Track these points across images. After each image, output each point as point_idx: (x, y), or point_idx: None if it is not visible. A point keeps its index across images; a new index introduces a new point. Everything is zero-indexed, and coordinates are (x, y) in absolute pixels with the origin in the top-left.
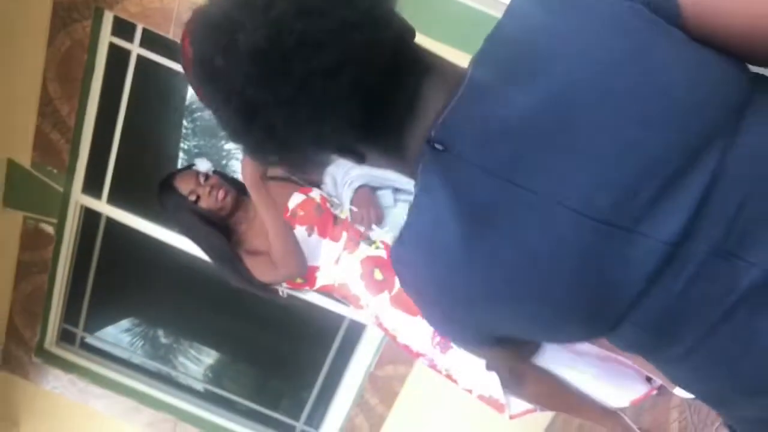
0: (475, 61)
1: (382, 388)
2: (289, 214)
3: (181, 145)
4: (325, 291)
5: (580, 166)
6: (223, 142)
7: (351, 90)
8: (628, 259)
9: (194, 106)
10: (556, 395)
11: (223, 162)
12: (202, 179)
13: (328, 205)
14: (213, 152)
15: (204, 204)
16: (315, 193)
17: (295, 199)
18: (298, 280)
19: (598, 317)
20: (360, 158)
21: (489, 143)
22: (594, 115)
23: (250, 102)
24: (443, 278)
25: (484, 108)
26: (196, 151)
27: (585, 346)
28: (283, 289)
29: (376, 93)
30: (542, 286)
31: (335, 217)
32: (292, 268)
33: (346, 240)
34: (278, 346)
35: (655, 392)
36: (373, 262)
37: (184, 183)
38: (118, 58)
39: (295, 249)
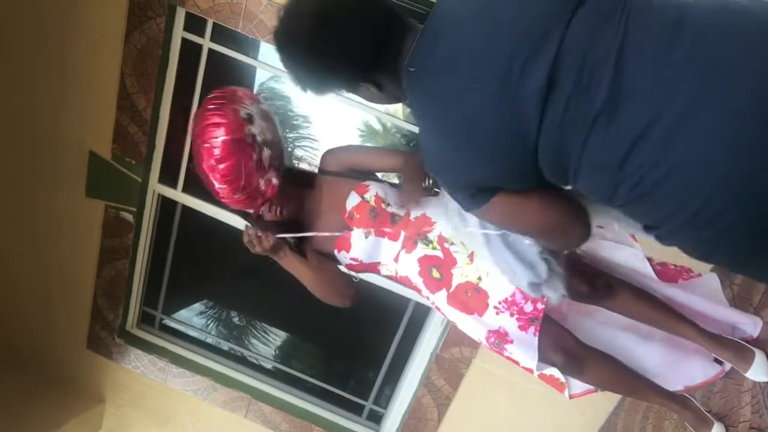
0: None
1: (448, 370)
2: (346, 215)
3: None
4: (390, 278)
5: (472, 56)
6: (287, 130)
7: (370, 34)
8: (523, 104)
9: (262, 95)
10: (619, 379)
11: (289, 148)
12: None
13: (383, 206)
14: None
15: (266, 218)
16: (370, 195)
17: (352, 200)
18: (361, 274)
19: (518, 154)
20: (380, 86)
21: (432, 58)
22: (480, 26)
23: (314, 46)
24: (438, 145)
25: (431, 41)
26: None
27: (649, 329)
28: (356, 276)
29: (382, 39)
30: (479, 139)
31: (392, 217)
32: (337, 304)
33: (403, 239)
34: (346, 328)
35: (723, 374)
36: (430, 261)
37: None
38: (190, 52)
39: (331, 291)
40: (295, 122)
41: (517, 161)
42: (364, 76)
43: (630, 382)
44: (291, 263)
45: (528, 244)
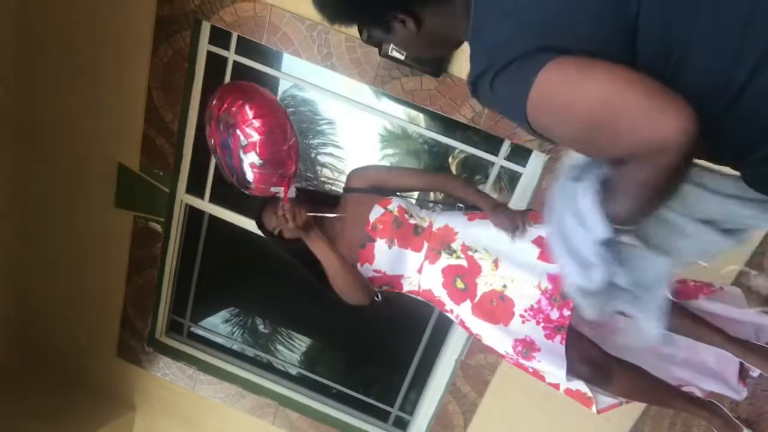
0: None
1: (474, 377)
2: (369, 227)
3: None
4: (412, 294)
5: None
6: (310, 137)
7: None
8: None
9: (285, 103)
10: (647, 388)
11: (312, 155)
12: (280, 212)
13: (406, 216)
14: (302, 146)
15: (287, 236)
16: (393, 206)
17: (375, 213)
18: (384, 288)
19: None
20: (419, 22)
21: None
22: None
23: None
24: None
25: None
26: None
27: (669, 350)
28: (378, 294)
29: None
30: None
31: (415, 227)
32: (357, 301)
33: (427, 250)
34: (371, 334)
35: (749, 379)
36: (454, 271)
37: (267, 219)
38: (215, 65)
39: (354, 285)
40: (318, 128)
41: (611, 27)
42: (404, 4)
43: (658, 391)
44: (320, 245)
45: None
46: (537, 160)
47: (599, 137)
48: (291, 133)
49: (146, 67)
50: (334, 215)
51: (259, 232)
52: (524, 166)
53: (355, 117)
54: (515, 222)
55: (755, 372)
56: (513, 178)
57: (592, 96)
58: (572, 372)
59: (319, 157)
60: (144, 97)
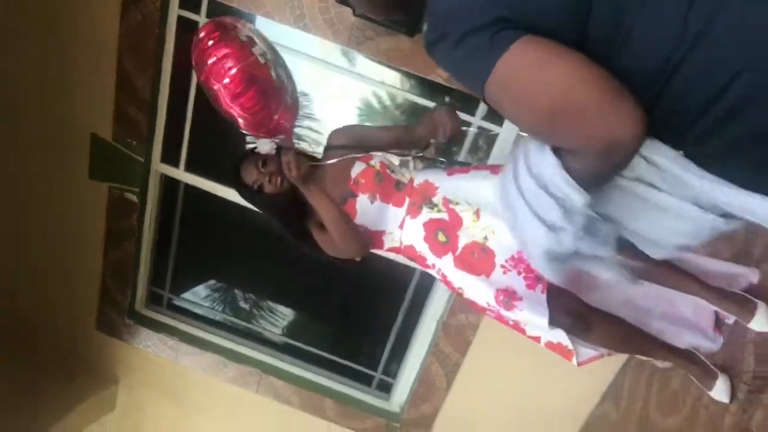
0: None
1: (456, 336)
2: (351, 182)
3: None
4: (393, 252)
5: None
6: None
7: None
8: None
9: None
10: (626, 337)
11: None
12: (261, 167)
13: (388, 171)
14: None
15: (267, 190)
16: (375, 161)
17: (357, 168)
18: (362, 255)
19: None
20: None
21: None
22: None
23: None
24: None
25: None
26: None
27: (647, 304)
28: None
29: None
30: None
31: (397, 182)
32: (353, 253)
33: (408, 205)
34: (352, 301)
35: (725, 327)
36: (435, 224)
37: (247, 173)
38: (187, 29)
39: (352, 238)
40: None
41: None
42: None
43: (637, 339)
44: (319, 196)
45: (552, 179)
46: None
47: (554, 129)
48: (275, 87)
49: (115, 33)
50: (336, 159)
51: (236, 195)
52: (501, 125)
53: (330, 87)
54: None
55: (730, 319)
56: (491, 140)
57: (554, 88)
58: (553, 321)
59: (296, 129)
60: (114, 65)
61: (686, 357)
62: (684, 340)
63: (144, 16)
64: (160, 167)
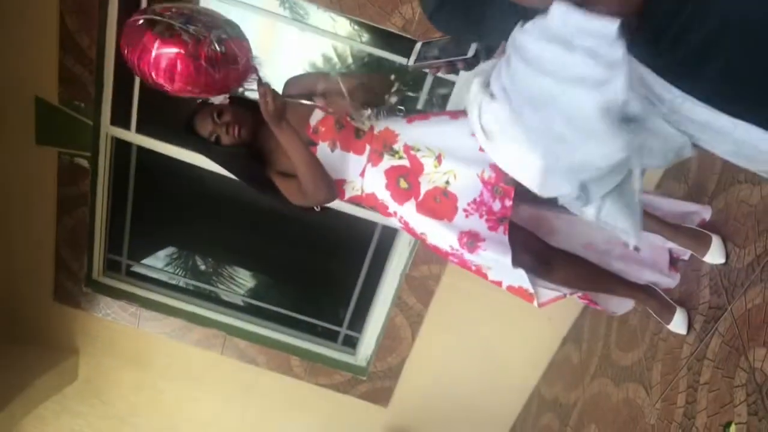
0: None
1: (419, 288)
2: (311, 130)
3: None
4: (354, 201)
5: None
6: None
7: None
8: None
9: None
10: (587, 276)
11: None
12: (216, 118)
13: (348, 119)
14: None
15: (225, 141)
16: None
17: (316, 115)
18: (330, 201)
19: None
20: None
21: None
22: None
23: None
24: None
25: None
26: None
27: (607, 245)
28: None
29: None
30: None
31: (357, 130)
32: (322, 197)
33: (369, 152)
34: (315, 260)
35: (681, 263)
36: (397, 171)
37: (201, 126)
38: None
39: (322, 180)
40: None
41: None
42: None
43: (597, 277)
44: (292, 135)
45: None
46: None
47: None
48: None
49: None
50: (310, 103)
51: (191, 156)
52: (457, 74)
53: (282, 43)
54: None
55: (685, 255)
56: (446, 94)
57: None
58: (516, 260)
59: (248, 94)
60: (56, 23)
61: (645, 292)
62: (643, 277)
63: None
64: (110, 130)
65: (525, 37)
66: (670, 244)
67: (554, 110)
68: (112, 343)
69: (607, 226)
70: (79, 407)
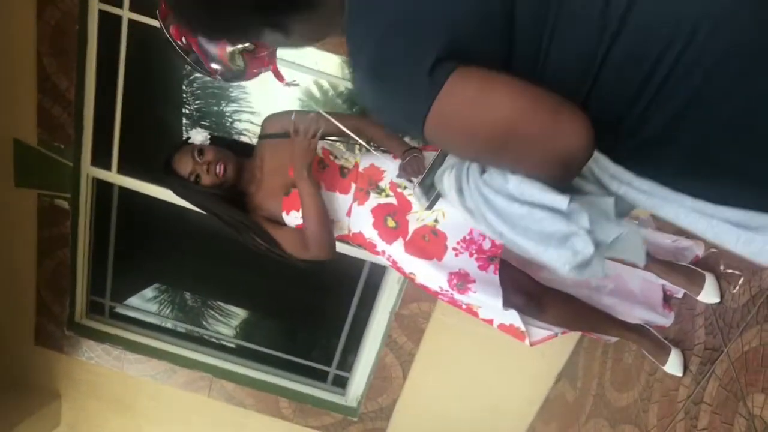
0: None
1: (409, 326)
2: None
3: (183, 109)
4: (341, 240)
5: None
6: (223, 103)
7: None
8: None
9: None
10: (579, 314)
11: (228, 123)
12: (197, 157)
13: (331, 158)
14: (215, 113)
15: (206, 182)
16: (317, 148)
17: None
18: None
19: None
20: (286, 32)
21: None
22: None
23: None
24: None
25: None
26: (197, 115)
27: (597, 282)
28: None
29: None
30: None
31: (341, 169)
32: (325, 254)
33: (355, 191)
34: (302, 298)
35: (674, 301)
36: (384, 209)
37: (182, 165)
38: (109, 25)
39: (330, 236)
40: (232, 95)
41: (495, 21)
42: (267, 21)
43: (589, 317)
44: (312, 184)
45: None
46: None
47: (503, 156)
48: None
49: (32, 33)
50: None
51: (173, 195)
52: None
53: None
54: (420, 170)
55: (679, 293)
56: None
57: (495, 117)
58: (507, 302)
59: (235, 124)
60: (34, 66)
61: (639, 332)
62: (635, 315)
63: (63, 13)
64: (91, 170)
65: (488, 191)
66: (663, 281)
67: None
68: (96, 387)
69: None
70: None
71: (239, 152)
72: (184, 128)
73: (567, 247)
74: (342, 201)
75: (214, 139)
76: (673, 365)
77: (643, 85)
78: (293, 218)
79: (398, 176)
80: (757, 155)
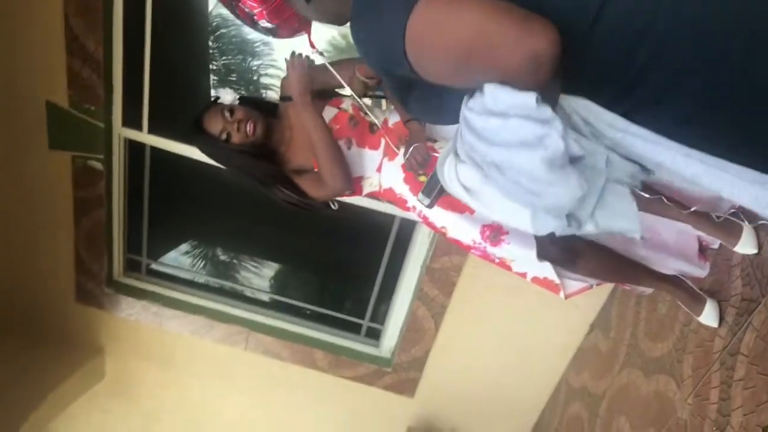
0: None
1: (440, 279)
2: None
3: (211, 66)
4: (372, 196)
5: None
6: (249, 58)
7: None
8: None
9: (215, 24)
10: (613, 265)
11: (254, 77)
12: (228, 115)
13: (361, 114)
14: (241, 69)
15: (236, 140)
16: (346, 104)
17: (328, 113)
18: (346, 192)
19: None
20: None
21: None
22: None
23: None
24: None
25: None
26: (224, 71)
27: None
28: (334, 201)
29: None
30: None
31: (371, 126)
32: (340, 185)
33: (384, 147)
34: (335, 252)
35: (710, 252)
36: None
37: (212, 124)
38: None
39: (342, 166)
40: (256, 49)
41: None
42: None
43: (623, 267)
44: (314, 112)
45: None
46: None
47: (477, 64)
48: None
49: None
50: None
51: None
52: None
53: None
54: (425, 159)
55: (715, 243)
56: None
57: (463, 29)
58: (541, 253)
59: (261, 80)
60: (61, 27)
61: (674, 283)
62: (670, 266)
63: None
64: (122, 131)
65: (470, 114)
66: (699, 232)
67: (513, 170)
68: (137, 342)
69: (611, 232)
70: (108, 405)
71: (267, 112)
72: (211, 85)
73: (540, 147)
74: (372, 157)
75: (242, 99)
76: (708, 316)
77: (641, 37)
78: None
79: (408, 169)
80: (754, 110)
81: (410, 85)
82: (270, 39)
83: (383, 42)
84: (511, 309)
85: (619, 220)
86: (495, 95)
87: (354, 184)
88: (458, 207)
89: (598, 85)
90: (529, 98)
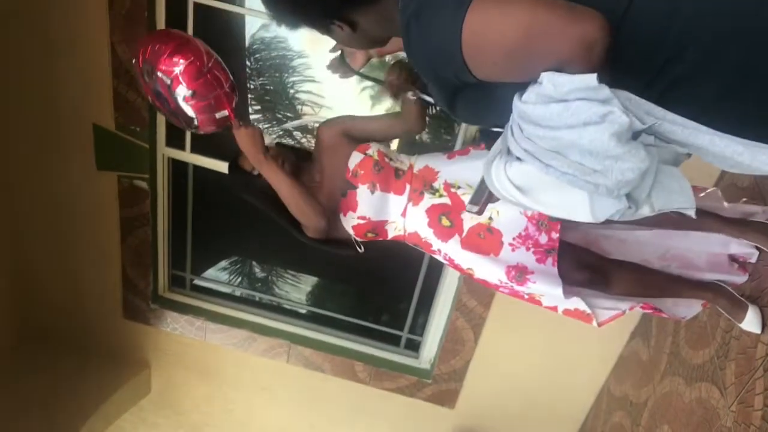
0: None
1: (478, 290)
2: (350, 174)
3: (248, 84)
4: (398, 240)
5: None
6: (286, 75)
7: None
8: None
9: (254, 47)
10: (646, 281)
11: (291, 93)
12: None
13: (386, 160)
14: (278, 87)
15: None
16: (372, 150)
17: (354, 159)
18: (369, 235)
19: None
20: (353, 25)
21: None
22: None
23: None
24: None
25: None
26: (262, 91)
27: (663, 261)
28: (360, 244)
29: None
30: None
31: (396, 171)
32: (313, 223)
33: (409, 192)
34: (372, 264)
35: (749, 265)
36: (438, 209)
37: (247, 161)
38: (176, 8)
39: (305, 207)
40: (291, 65)
41: None
42: (336, 13)
43: (659, 281)
44: (272, 169)
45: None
46: None
47: (533, 55)
48: (208, 55)
49: (105, 23)
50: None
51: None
52: None
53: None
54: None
55: (753, 257)
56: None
57: (517, 22)
58: (570, 282)
59: (297, 95)
60: (108, 54)
61: (714, 290)
62: (706, 277)
63: (132, 2)
64: (166, 151)
65: (525, 107)
66: (732, 249)
67: (578, 152)
68: (182, 356)
69: (669, 209)
70: (155, 418)
71: (300, 157)
72: (248, 103)
73: (605, 123)
74: (397, 202)
75: (278, 145)
76: (750, 322)
77: (672, 15)
78: (350, 219)
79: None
80: None
81: (456, 89)
82: (307, 60)
83: (438, 45)
84: (550, 318)
85: (676, 196)
86: (555, 81)
87: (379, 228)
88: (482, 249)
89: (633, 70)
90: (590, 79)
